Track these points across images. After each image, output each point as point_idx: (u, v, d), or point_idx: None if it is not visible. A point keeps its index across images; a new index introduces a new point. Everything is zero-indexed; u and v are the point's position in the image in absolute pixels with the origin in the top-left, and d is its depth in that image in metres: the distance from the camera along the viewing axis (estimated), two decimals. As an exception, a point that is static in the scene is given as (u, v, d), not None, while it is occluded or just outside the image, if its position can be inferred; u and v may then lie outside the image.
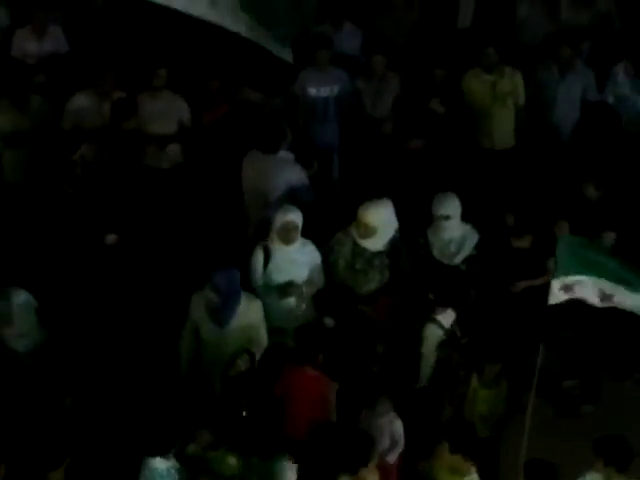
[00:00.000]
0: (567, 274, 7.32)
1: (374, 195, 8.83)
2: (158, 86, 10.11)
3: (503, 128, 10.55)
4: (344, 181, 10.68)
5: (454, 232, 8.89)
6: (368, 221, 8.64)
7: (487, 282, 8.87)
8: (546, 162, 10.44)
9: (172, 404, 7.87)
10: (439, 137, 10.34)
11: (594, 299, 7.31)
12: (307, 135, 10.46)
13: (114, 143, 9.59)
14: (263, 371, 7.83)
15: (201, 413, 7.40)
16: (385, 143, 10.43)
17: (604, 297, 7.27)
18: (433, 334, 8.24)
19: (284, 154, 9.51)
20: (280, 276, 8.57)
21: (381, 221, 8.68)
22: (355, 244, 8.73)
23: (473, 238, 8.93)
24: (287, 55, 8.66)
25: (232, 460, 7.28)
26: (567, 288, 7.33)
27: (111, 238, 9.31)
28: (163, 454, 7.09)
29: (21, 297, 8.15)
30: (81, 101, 10.06)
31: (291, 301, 8.60)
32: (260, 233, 8.92)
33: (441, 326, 8.27)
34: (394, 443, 7.64)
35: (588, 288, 7.28)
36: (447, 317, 8.30)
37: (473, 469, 7.28)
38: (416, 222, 9.06)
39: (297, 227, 8.58)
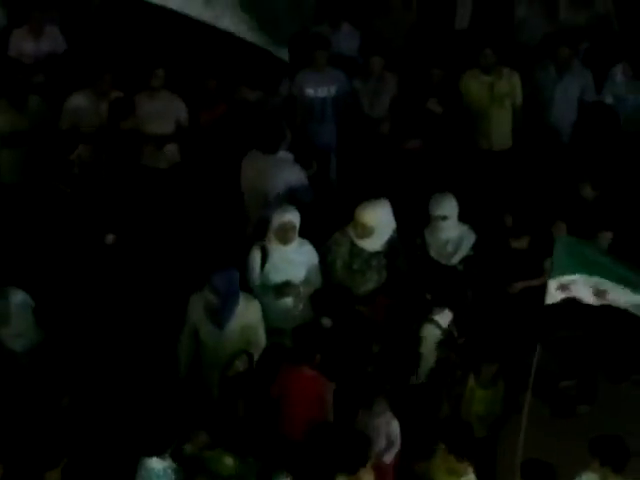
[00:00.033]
0: (563, 274, 7.33)
1: (371, 195, 8.81)
2: (156, 86, 10.10)
3: (501, 129, 10.55)
4: (342, 181, 10.67)
5: (451, 232, 8.89)
6: (365, 221, 8.63)
7: (484, 282, 8.87)
8: (544, 163, 10.45)
9: (169, 404, 7.87)
10: (436, 137, 10.34)
11: (590, 297, 7.33)
12: (305, 135, 10.47)
13: (112, 143, 9.58)
14: (261, 371, 7.83)
15: (198, 413, 7.41)
16: (382, 143, 10.42)
17: (598, 293, 7.28)
18: (431, 334, 8.25)
19: (283, 154, 9.51)
20: (277, 276, 8.57)
21: (378, 221, 8.67)
22: (353, 244, 8.72)
23: (470, 238, 8.92)
24: (284, 55, 8.66)
25: (229, 460, 7.27)
26: (563, 288, 7.34)
27: (109, 238, 9.31)
28: (159, 454, 7.09)
29: (18, 297, 8.16)
30: (79, 101, 10.04)
31: (288, 301, 8.59)
32: (259, 233, 8.93)
33: (438, 326, 8.28)
34: (390, 443, 7.64)
35: (582, 286, 7.30)
36: (444, 317, 8.31)
37: (470, 469, 7.27)
38: (413, 222, 9.06)
39: (295, 227, 8.57)
